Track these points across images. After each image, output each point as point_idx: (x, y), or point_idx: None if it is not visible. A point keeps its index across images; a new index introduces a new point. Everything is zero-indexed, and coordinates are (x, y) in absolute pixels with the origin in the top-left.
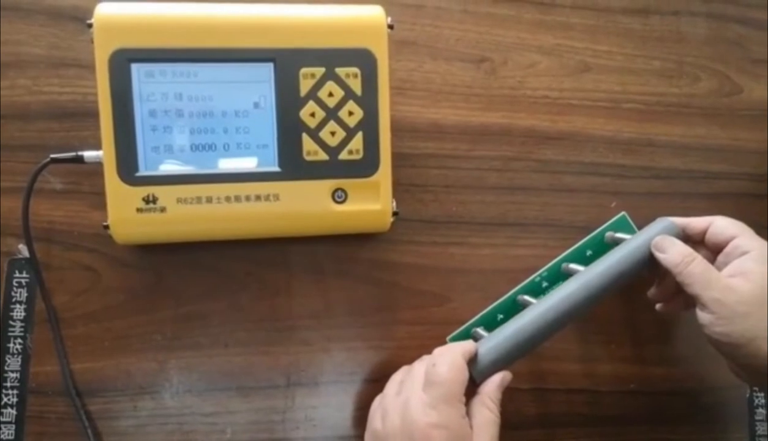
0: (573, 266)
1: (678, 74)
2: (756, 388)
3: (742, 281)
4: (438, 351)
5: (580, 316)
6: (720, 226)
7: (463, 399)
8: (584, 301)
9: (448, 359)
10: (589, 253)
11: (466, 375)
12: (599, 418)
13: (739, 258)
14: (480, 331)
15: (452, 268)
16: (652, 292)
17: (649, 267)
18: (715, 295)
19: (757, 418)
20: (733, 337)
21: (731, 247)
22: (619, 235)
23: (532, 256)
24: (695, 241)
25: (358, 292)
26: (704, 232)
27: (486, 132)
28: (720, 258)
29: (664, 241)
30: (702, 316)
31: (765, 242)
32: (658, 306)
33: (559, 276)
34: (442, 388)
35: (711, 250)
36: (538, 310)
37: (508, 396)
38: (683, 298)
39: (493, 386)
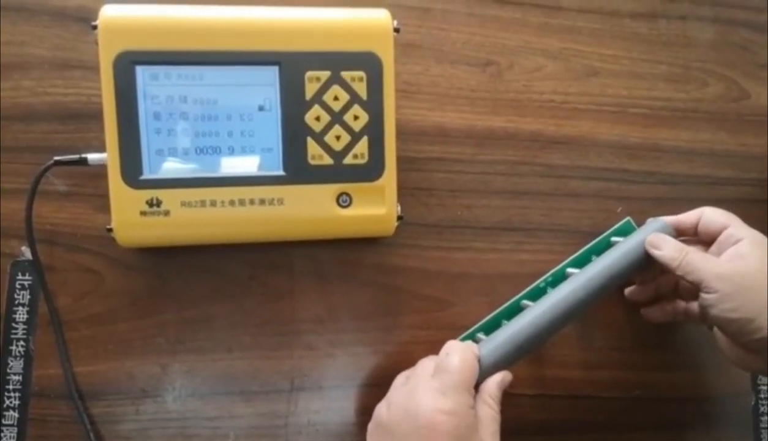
0: (576, 272)
1: (685, 79)
2: (760, 396)
3: (741, 263)
4: (449, 344)
5: (577, 317)
6: (710, 216)
7: (473, 392)
8: (580, 302)
9: (461, 349)
10: (593, 258)
11: (476, 369)
12: (603, 425)
13: (734, 245)
14: (483, 336)
15: (457, 273)
16: (629, 290)
17: (645, 267)
18: (718, 270)
19: (762, 425)
20: (742, 311)
21: (725, 236)
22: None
23: (537, 261)
24: (688, 235)
25: (362, 297)
26: (695, 226)
27: (491, 136)
28: (713, 248)
29: (658, 238)
30: (707, 298)
31: (754, 230)
32: (642, 310)
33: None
34: (454, 376)
35: (704, 241)
36: (535, 313)
37: (511, 402)
38: (669, 308)
39: (493, 385)
